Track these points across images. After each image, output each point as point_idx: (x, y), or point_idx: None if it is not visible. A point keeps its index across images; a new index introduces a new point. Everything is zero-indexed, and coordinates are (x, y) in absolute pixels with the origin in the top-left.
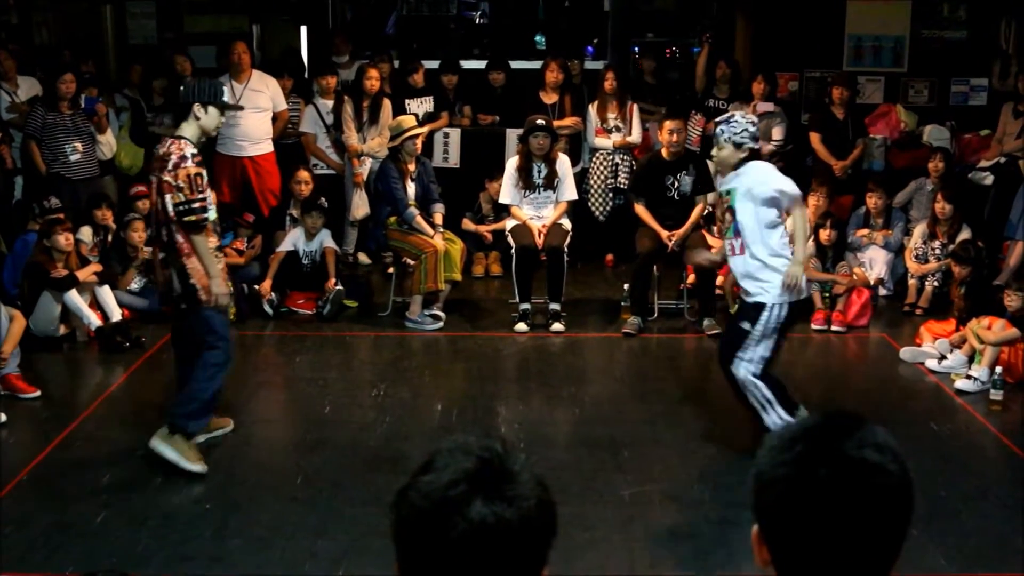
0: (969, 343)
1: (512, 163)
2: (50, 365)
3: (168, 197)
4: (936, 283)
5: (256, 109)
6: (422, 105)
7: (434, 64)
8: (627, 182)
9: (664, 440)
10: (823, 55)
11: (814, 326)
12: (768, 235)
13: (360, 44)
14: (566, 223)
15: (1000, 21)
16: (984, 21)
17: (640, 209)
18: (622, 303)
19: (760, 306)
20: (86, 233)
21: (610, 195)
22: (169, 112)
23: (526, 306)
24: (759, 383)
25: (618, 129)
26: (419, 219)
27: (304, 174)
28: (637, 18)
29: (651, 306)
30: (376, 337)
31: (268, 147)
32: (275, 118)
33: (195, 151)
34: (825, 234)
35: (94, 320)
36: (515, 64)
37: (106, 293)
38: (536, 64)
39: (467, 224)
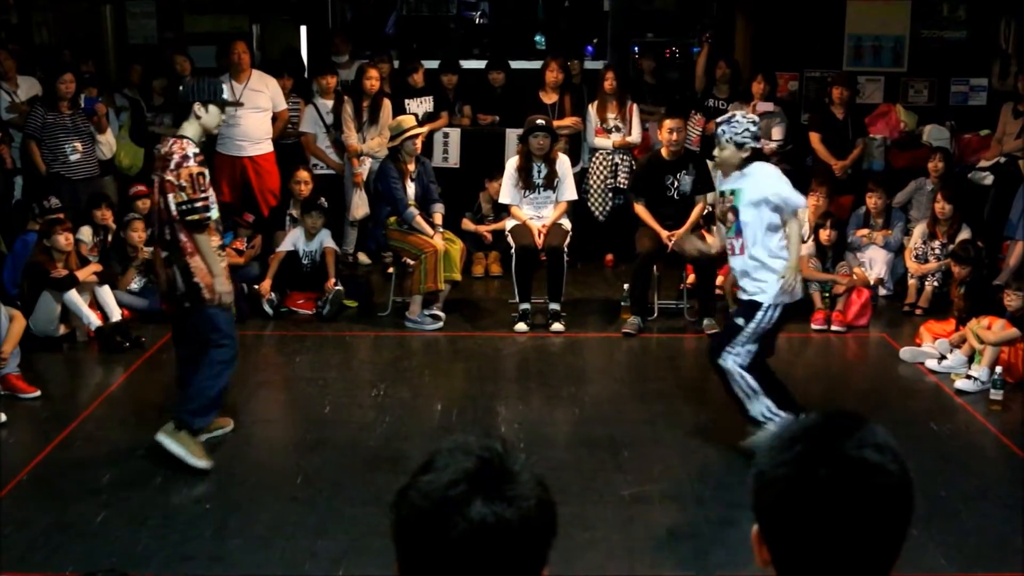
0: (969, 343)
1: (512, 163)
2: (50, 365)
3: (171, 196)
4: (936, 283)
5: (256, 109)
6: (422, 105)
7: (434, 64)
8: (627, 182)
9: (664, 440)
10: (823, 55)
11: (814, 326)
12: (769, 237)
13: (360, 44)
14: (566, 223)
15: (1000, 21)
16: (984, 21)
17: (640, 209)
18: (622, 303)
19: (757, 305)
20: (86, 233)
21: (610, 195)
22: (169, 112)
23: (526, 306)
24: (745, 374)
25: (618, 129)
26: (419, 219)
27: (304, 174)
28: (637, 18)
29: (651, 306)
30: (376, 337)
31: (268, 147)
32: (275, 118)
33: (197, 150)
34: (825, 234)
35: (94, 320)
36: (515, 64)
37: (106, 293)
38: (536, 64)
39: (467, 224)
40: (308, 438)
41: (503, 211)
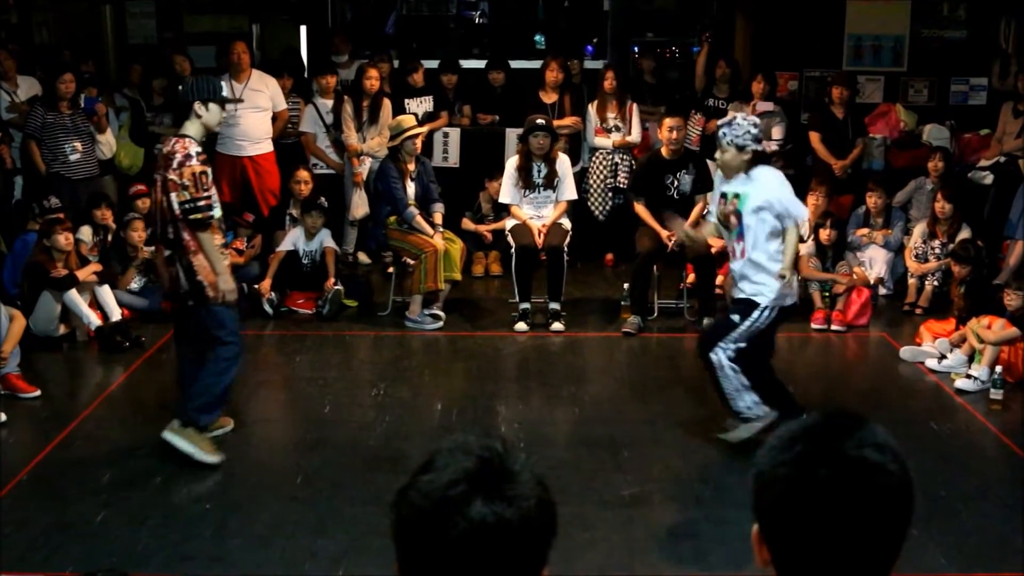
0: (969, 342)
1: (512, 163)
2: (50, 365)
3: (174, 195)
4: (936, 282)
5: (256, 109)
6: (422, 105)
7: (434, 64)
8: (627, 182)
9: (664, 440)
10: (823, 54)
11: (814, 325)
12: (770, 243)
13: (360, 44)
14: (566, 223)
15: (1000, 21)
16: (984, 20)
17: (640, 208)
18: (622, 302)
19: (754, 304)
20: (86, 233)
21: (610, 194)
22: (169, 112)
23: (526, 305)
24: (736, 367)
25: (618, 129)
26: (419, 219)
27: (304, 174)
28: (637, 18)
29: (651, 305)
30: (376, 337)
31: (268, 147)
32: (275, 118)
33: (199, 149)
34: (825, 233)
35: (94, 320)
36: (515, 64)
37: (106, 293)
38: (536, 64)
39: (467, 224)
40: (308, 438)
41: (503, 211)
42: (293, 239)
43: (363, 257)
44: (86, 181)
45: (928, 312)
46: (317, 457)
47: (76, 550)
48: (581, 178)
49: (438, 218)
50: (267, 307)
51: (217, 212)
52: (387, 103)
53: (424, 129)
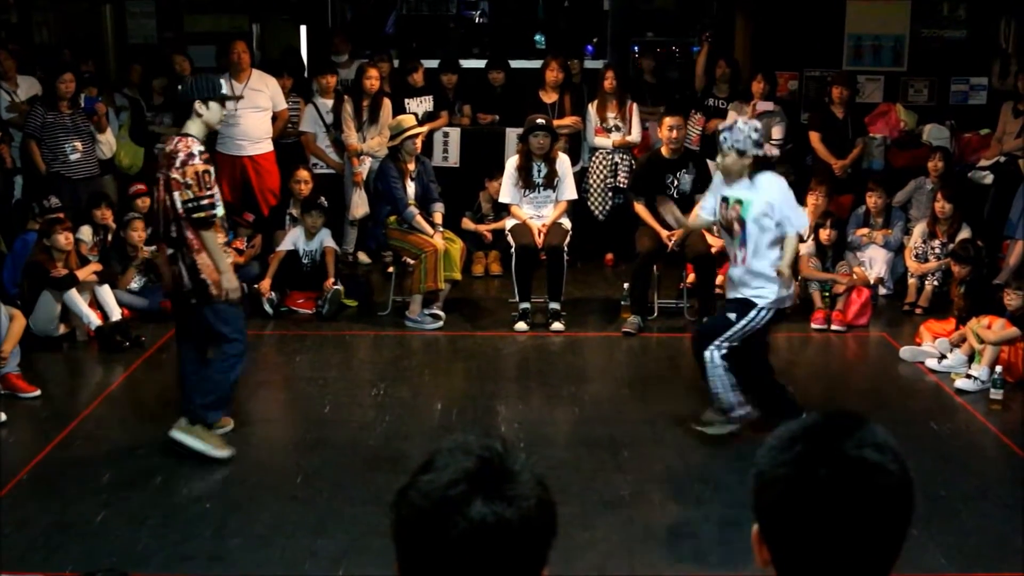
0: (969, 342)
1: (512, 162)
2: (50, 364)
3: (177, 194)
4: (936, 282)
5: (256, 108)
6: (422, 104)
7: (434, 63)
8: (627, 181)
9: (664, 440)
10: (823, 54)
11: (814, 325)
12: (771, 251)
13: (360, 43)
14: (566, 222)
15: (1000, 20)
16: (984, 20)
17: (640, 208)
18: (622, 302)
19: (752, 304)
20: (86, 232)
21: (610, 194)
22: (169, 111)
23: (526, 305)
24: (726, 365)
25: (618, 128)
26: (419, 218)
27: (304, 173)
28: (637, 17)
29: (651, 305)
30: (376, 336)
31: (268, 146)
32: (275, 117)
33: (202, 148)
34: (825, 233)
35: (94, 319)
36: (515, 63)
37: (106, 292)
38: (536, 63)
39: (467, 223)
40: (308, 438)
41: (503, 210)
42: (293, 239)
43: (363, 257)
44: (86, 181)
45: (928, 312)
46: (317, 457)
47: (76, 550)
48: (581, 178)
49: (438, 218)
50: (267, 307)
51: (220, 210)
52: (387, 103)
53: (424, 129)
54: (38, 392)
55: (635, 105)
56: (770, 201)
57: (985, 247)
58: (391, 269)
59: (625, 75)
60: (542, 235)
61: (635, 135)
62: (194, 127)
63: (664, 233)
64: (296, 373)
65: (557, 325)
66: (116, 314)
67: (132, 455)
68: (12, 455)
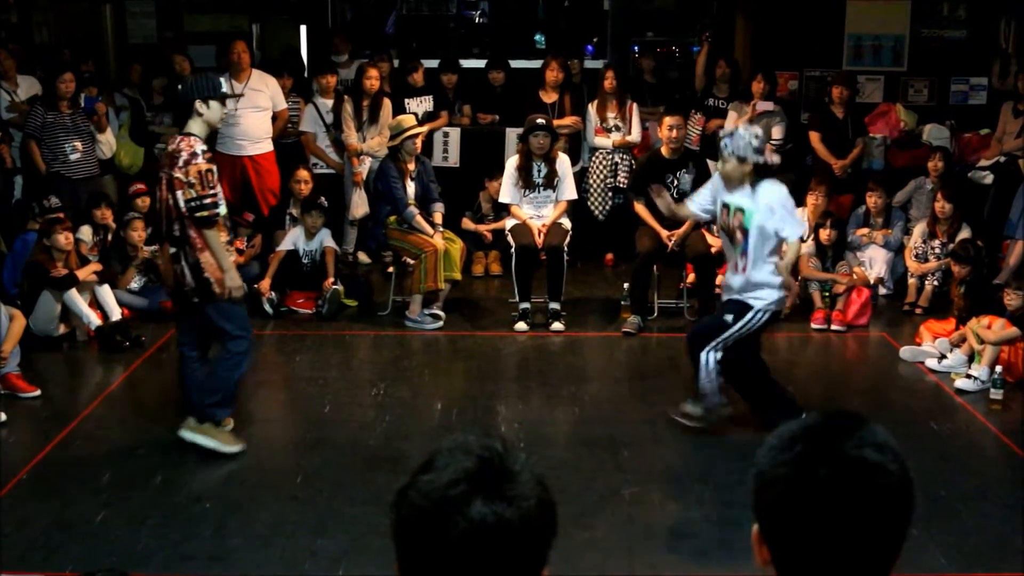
0: (969, 342)
1: (512, 162)
2: (50, 364)
3: (180, 193)
4: (936, 282)
5: (256, 108)
6: (422, 104)
7: (434, 63)
8: (627, 181)
9: (664, 440)
10: (823, 54)
11: (814, 325)
12: (771, 258)
13: (360, 43)
14: (566, 222)
15: (1000, 20)
16: (984, 20)
17: (640, 208)
18: (622, 302)
19: (748, 307)
20: (86, 232)
21: (610, 194)
22: (169, 111)
23: (526, 305)
24: (719, 368)
25: (618, 128)
26: (419, 218)
27: (304, 173)
28: (637, 17)
29: (651, 305)
30: (376, 336)
31: (268, 146)
32: (275, 117)
33: (205, 147)
34: (825, 233)
35: (94, 319)
36: (515, 63)
37: (106, 292)
38: (536, 63)
39: (467, 223)
40: (308, 438)
41: (503, 210)
42: (293, 239)
43: (363, 257)
44: (86, 181)
45: (928, 312)
46: (317, 457)
47: (76, 550)
48: (581, 178)
49: (438, 218)
50: (267, 307)
51: (223, 209)
52: (387, 103)
53: (424, 129)
54: (38, 392)
55: (635, 105)
56: (770, 203)
57: (985, 247)
58: (391, 269)
59: (625, 75)
60: (542, 235)
61: (635, 135)
62: (196, 126)
63: (664, 233)
64: (296, 373)
65: (557, 325)
66: (116, 314)
67: (132, 455)
68: (12, 455)
